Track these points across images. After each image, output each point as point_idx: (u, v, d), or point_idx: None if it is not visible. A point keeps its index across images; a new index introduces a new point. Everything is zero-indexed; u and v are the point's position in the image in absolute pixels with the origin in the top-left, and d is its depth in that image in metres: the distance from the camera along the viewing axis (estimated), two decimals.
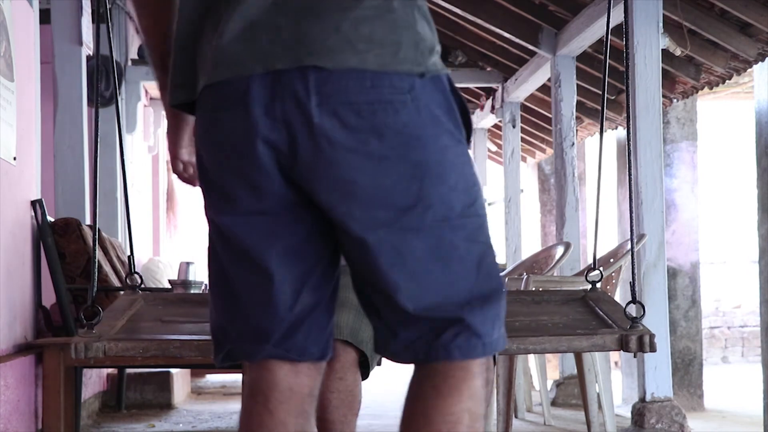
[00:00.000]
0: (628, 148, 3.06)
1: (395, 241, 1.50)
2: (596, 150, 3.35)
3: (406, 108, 1.46)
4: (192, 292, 3.71)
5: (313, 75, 1.44)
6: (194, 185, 1.75)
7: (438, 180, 1.50)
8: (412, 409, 1.55)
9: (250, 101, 1.46)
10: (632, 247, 3.02)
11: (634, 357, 2.95)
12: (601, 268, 3.31)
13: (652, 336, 2.88)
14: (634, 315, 2.95)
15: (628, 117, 3.10)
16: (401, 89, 1.46)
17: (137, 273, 2.92)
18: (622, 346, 2.89)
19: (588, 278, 3.33)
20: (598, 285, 3.35)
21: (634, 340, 2.87)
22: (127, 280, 2.98)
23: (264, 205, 1.52)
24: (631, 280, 2.98)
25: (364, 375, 2.83)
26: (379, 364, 2.92)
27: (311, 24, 1.44)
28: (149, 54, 1.75)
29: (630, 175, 3.00)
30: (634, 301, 2.96)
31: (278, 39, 1.45)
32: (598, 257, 3.34)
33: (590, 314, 3.21)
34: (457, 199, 1.53)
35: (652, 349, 2.88)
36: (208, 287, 1.73)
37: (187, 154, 1.76)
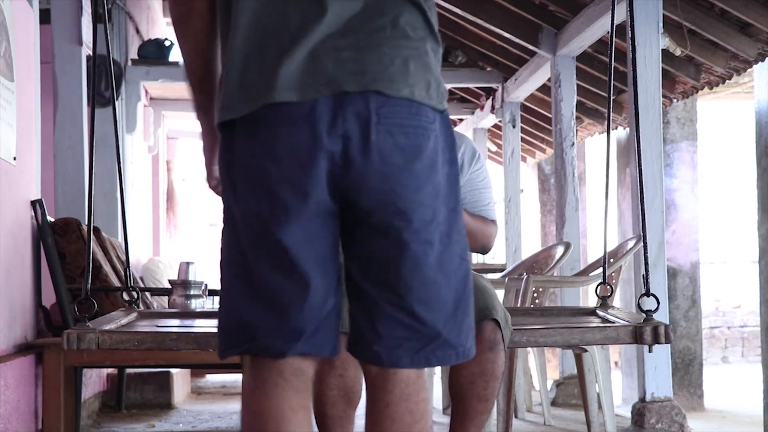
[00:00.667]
0: (638, 148, 3.04)
1: (416, 248, 1.72)
2: (597, 150, 3.34)
3: (433, 135, 1.73)
4: (192, 292, 3.70)
5: (374, 98, 1.68)
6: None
7: (444, 201, 1.76)
8: (385, 412, 1.77)
9: (316, 119, 1.67)
10: (644, 240, 2.97)
11: (649, 350, 2.89)
12: (611, 285, 3.27)
13: (667, 326, 2.81)
14: (647, 308, 2.90)
15: (635, 117, 3.08)
16: (431, 120, 1.73)
17: (134, 288, 2.91)
18: (636, 338, 2.81)
19: (598, 293, 3.30)
20: (608, 300, 3.31)
21: (648, 331, 2.80)
22: (123, 295, 2.95)
23: (309, 212, 1.70)
24: (643, 273, 2.93)
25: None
26: None
27: (372, 56, 1.69)
28: (188, 76, 1.90)
29: (640, 175, 2.98)
30: (647, 294, 2.91)
31: (343, 66, 1.68)
32: (597, 257, 3.32)
33: (601, 319, 3.19)
34: (454, 220, 1.78)
35: (668, 339, 2.81)
36: (225, 285, 1.82)
37: (218, 171, 1.88)
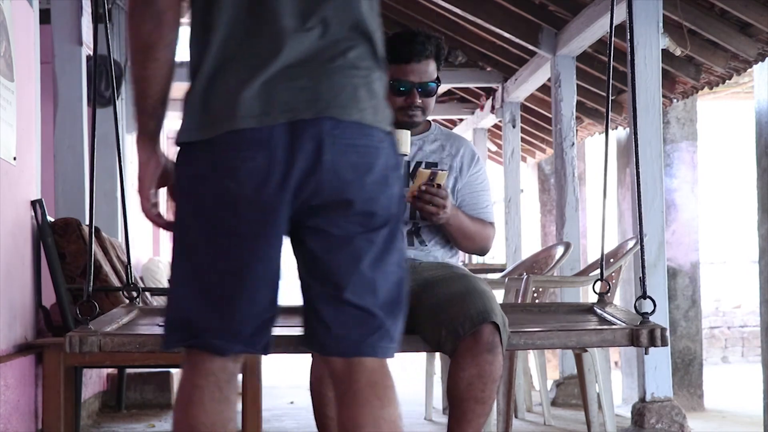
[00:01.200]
0: (636, 149, 3.04)
1: (357, 245, 1.91)
2: (597, 150, 3.35)
3: (384, 153, 1.93)
4: None
5: (328, 123, 1.86)
6: (160, 225, 2.07)
7: (390, 211, 1.95)
8: (354, 401, 1.91)
9: (275, 144, 1.85)
10: (641, 242, 2.98)
11: (646, 353, 2.90)
12: (609, 282, 3.28)
13: (663, 330, 2.82)
14: (644, 310, 2.90)
15: (633, 117, 3.09)
16: (380, 139, 1.93)
17: (134, 284, 2.91)
18: (633, 341, 2.82)
19: (595, 290, 3.31)
20: (606, 296, 3.32)
21: (645, 334, 2.81)
22: (124, 293, 2.96)
23: (262, 226, 1.89)
24: (640, 275, 2.94)
25: None
26: None
27: (325, 84, 1.88)
28: (142, 100, 1.98)
29: (638, 175, 2.98)
30: (644, 296, 2.91)
31: (299, 95, 1.86)
32: (597, 257, 3.32)
33: (598, 317, 3.19)
34: (397, 230, 1.97)
35: (664, 342, 2.82)
36: (175, 284, 1.98)
37: (154, 196, 2.05)
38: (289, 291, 1.98)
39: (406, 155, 3.03)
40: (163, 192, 2.10)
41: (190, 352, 1.95)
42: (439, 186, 2.96)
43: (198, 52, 1.94)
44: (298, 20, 1.89)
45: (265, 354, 2.01)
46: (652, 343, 2.81)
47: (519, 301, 4.57)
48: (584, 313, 3.28)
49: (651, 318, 2.93)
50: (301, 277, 1.99)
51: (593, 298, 3.43)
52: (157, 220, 2.08)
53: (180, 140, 1.95)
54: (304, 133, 1.85)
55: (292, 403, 6.52)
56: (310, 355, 2.82)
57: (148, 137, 2.03)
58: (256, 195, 1.86)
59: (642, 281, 2.94)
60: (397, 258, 1.97)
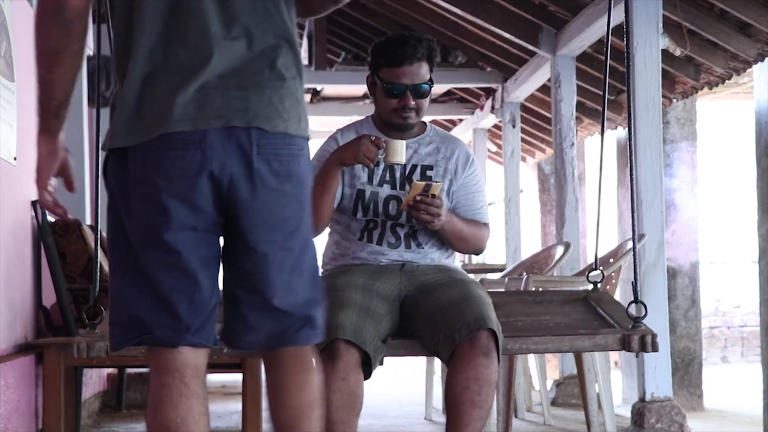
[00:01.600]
0: (630, 148, 3.06)
1: (280, 256, 2.05)
2: (596, 150, 3.36)
3: (303, 159, 2.07)
4: None
5: (255, 133, 1.99)
6: (58, 213, 2.18)
7: (307, 215, 2.10)
8: (281, 384, 2.08)
9: (207, 146, 1.97)
10: (634, 247, 3.01)
11: (636, 357, 2.96)
12: (602, 268, 3.31)
13: (654, 336, 2.87)
14: (636, 315, 2.94)
15: (629, 117, 3.10)
16: (301, 147, 2.07)
17: None
18: (624, 345, 2.88)
19: (589, 278, 3.33)
20: (599, 285, 3.35)
21: (636, 339, 2.86)
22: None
23: (197, 222, 2.00)
24: (633, 280, 2.97)
25: (367, 374, 2.83)
26: (381, 363, 2.92)
27: (255, 95, 2.00)
28: (47, 101, 2.08)
29: (632, 175, 3.00)
30: (636, 301, 2.95)
31: (230, 104, 1.98)
32: (594, 249, 3.34)
33: (592, 314, 3.21)
34: (308, 230, 2.12)
35: (654, 349, 2.87)
36: (118, 284, 2.07)
37: (52, 186, 2.16)
38: None
39: (401, 164, 3.07)
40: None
41: (152, 352, 2.05)
42: (434, 196, 2.99)
43: (124, 57, 2.03)
44: (223, 28, 2.00)
45: (213, 345, 2.09)
46: (643, 348, 2.87)
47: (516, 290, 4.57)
48: (578, 304, 3.31)
49: (650, 319, 2.95)
50: (225, 281, 2.10)
51: None
52: (55, 209, 2.18)
53: (112, 145, 2.04)
54: (235, 139, 1.98)
55: None
56: None
57: (51, 134, 2.12)
58: (187, 192, 1.98)
59: (634, 286, 2.98)
60: (311, 254, 2.12)
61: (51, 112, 2.10)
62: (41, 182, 2.16)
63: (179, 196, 1.98)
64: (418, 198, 2.99)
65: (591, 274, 3.31)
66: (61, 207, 2.17)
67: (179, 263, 2.01)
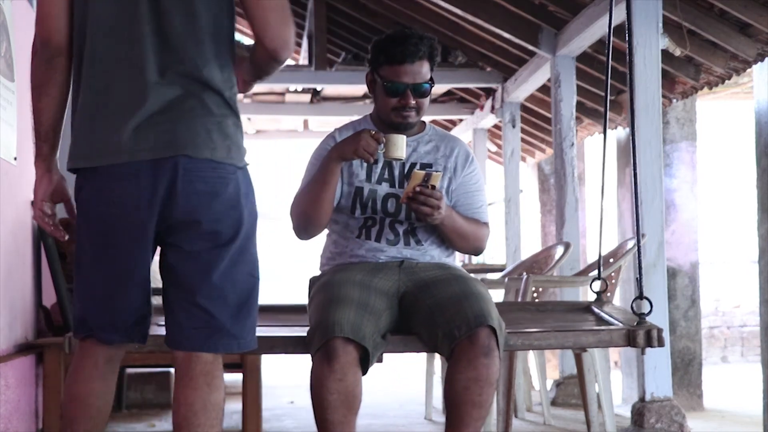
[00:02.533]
0: (633, 148, 3.05)
1: (210, 262, 2.36)
2: (597, 150, 3.36)
3: (232, 183, 2.38)
4: None
5: (183, 160, 2.33)
6: (56, 234, 2.55)
7: (241, 230, 2.39)
8: (189, 384, 2.38)
9: (142, 176, 2.32)
10: (638, 243, 3.00)
11: (642, 353, 2.92)
12: (606, 280, 3.29)
13: (660, 330, 2.83)
14: (641, 311, 2.91)
15: (631, 117, 3.10)
16: (230, 172, 2.38)
17: None
18: (630, 341, 2.83)
19: (592, 288, 3.31)
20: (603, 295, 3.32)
21: (641, 334, 2.82)
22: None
23: (141, 238, 2.36)
24: (637, 276, 2.95)
25: (364, 370, 2.81)
26: (380, 360, 2.91)
27: (182, 128, 2.34)
28: (38, 127, 2.46)
29: (635, 174, 2.99)
30: (641, 297, 2.92)
31: (161, 137, 2.33)
32: (597, 258, 3.33)
33: (595, 317, 3.19)
34: (248, 244, 2.42)
35: (660, 343, 2.83)
36: (75, 287, 2.44)
37: (49, 207, 2.52)
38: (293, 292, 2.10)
39: (402, 159, 3.04)
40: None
41: (82, 341, 2.46)
42: (433, 187, 2.97)
43: (79, 90, 2.41)
44: (159, 76, 2.34)
45: (143, 342, 2.48)
46: (649, 343, 2.82)
47: (519, 300, 4.57)
48: (582, 312, 3.28)
49: (650, 318, 2.94)
50: (163, 285, 2.43)
51: (592, 297, 3.44)
52: (53, 231, 2.55)
53: (70, 166, 2.42)
54: (163, 168, 2.32)
55: (292, 403, 6.52)
56: (310, 357, 2.83)
57: (42, 158, 2.48)
58: (128, 216, 2.35)
59: (639, 282, 2.94)
60: (249, 268, 2.43)
61: (41, 137, 2.46)
62: (36, 203, 2.51)
63: (121, 219, 2.35)
64: (418, 189, 2.97)
65: (593, 284, 3.28)
66: (60, 231, 2.53)
67: (118, 275, 2.39)
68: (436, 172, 3.03)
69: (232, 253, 2.38)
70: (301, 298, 3.34)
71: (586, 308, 3.30)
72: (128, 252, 2.37)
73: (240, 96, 2.52)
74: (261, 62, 2.43)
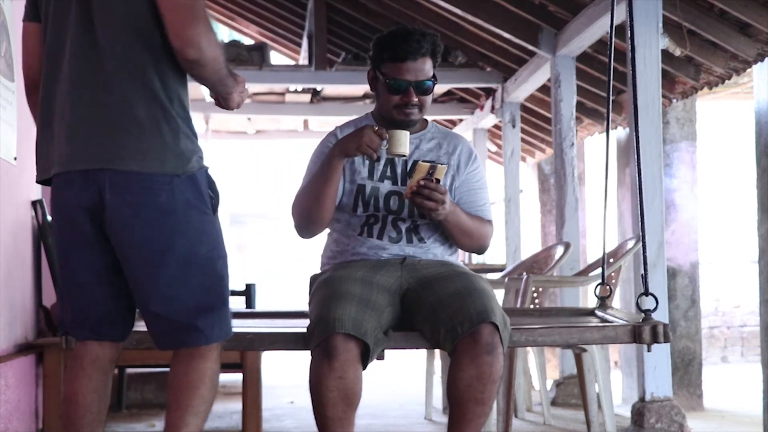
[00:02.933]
0: (636, 148, 3.05)
1: (152, 270, 2.48)
2: (597, 150, 3.35)
3: (164, 192, 2.46)
4: None
5: (109, 173, 2.45)
6: None
7: (183, 235, 2.49)
8: (174, 362, 2.57)
9: (75, 185, 2.48)
10: (643, 240, 2.97)
11: (648, 350, 2.89)
12: (610, 286, 3.28)
13: (665, 326, 2.81)
14: (646, 307, 2.89)
15: (634, 117, 3.09)
16: (162, 182, 2.46)
17: None
18: (635, 337, 2.80)
19: (597, 294, 3.30)
20: (607, 300, 3.31)
21: (647, 330, 2.79)
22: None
23: (85, 242, 2.52)
24: (642, 273, 2.93)
25: (364, 365, 2.80)
26: (382, 357, 2.90)
27: (111, 142, 2.46)
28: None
29: (640, 175, 2.99)
30: (646, 293, 2.90)
31: (91, 150, 2.46)
32: (597, 257, 3.33)
33: (600, 319, 3.19)
34: (197, 247, 2.51)
35: (666, 339, 2.80)
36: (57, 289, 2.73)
37: None
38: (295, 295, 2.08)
39: (405, 156, 3.02)
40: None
41: (70, 351, 2.64)
42: (438, 180, 2.95)
43: (36, 109, 2.64)
44: (94, 95, 2.46)
45: (122, 341, 2.64)
46: (655, 339, 2.80)
47: (519, 300, 4.57)
48: (586, 315, 3.27)
49: (653, 316, 2.92)
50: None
51: (593, 298, 3.43)
52: None
53: (37, 179, 2.63)
54: (93, 178, 2.46)
55: (292, 402, 6.52)
56: (309, 355, 2.83)
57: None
58: (70, 221, 2.52)
59: (644, 278, 2.92)
60: (200, 269, 2.51)
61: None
62: None
63: (67, 224, 2.53)
64: (422, 182, 2.95)
65: (598, 289, 3.28)
66: None
67: (70, 276, 2.56)
68: (441, 164, 3.01)
69: (177, 258, 2.48)
70: (302, 298, 3.33)
71: (590, 313, 3.29)
72: (76, 255, 2.56)
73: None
74: (184, 67, 2.49)
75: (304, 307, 3.23)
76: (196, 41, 2.39)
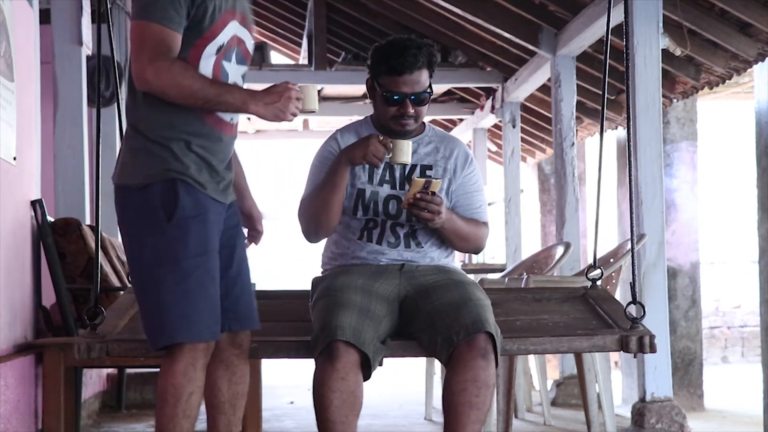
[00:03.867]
0: (629, 148, 3.06)
1: (132, 275, 2.66)
2: (596, 150, 3.36)
3: (119, 205, 2.61)
4: None
5: (114, 185, 2.63)
6: None
7: (132, 253, 2.60)
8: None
9: None
10: (632, 247, 3.01)
11: (634, 357, 2.96)
12: (601, 267, 3.32)
13: (652, 337, 2.87)
14: (634, 315, 2.94)
15: (628, 117, 3.10)
16: (120, 194, 2.59)
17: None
18: (623, 346, 2.88)
19: (588, 276, 3.33)
20: (599, 282, 3.35)
21: (634, 340, 2.86)
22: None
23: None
24: (631, 281, 2.97)
25: (366, 375, 2.83)
26: (380, 364, 2.92)
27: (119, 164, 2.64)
28: None
29: (630, 175, 3.00)
30: (634, 301, 2.95)
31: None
32: (598, 257, 3.34)
33: (591, 313, 3.20)
34: (136, 256, 2.59)
35: (652, 350, 2.87)
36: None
37: None
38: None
39: (407, 164, 3.08)
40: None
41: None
42: (433, 193, 3.00)
43: None
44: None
45: (216, 338, 2.69)
46: (641, 349, 2.87)
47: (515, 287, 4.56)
48: (577, 301, 3.31)
49: (650, 319, 2.95)
50: None
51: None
52: None
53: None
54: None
55: (292, 403, 6.52)
56: (314, 362, 2.85)
57: None
58: None
59: (632, 286, 2.98)
60: (135, 280, 2.60)
61: None
62: None
63: None
64: (419, 195, 3.00)
65: (590, 273, 3.31)
66: None
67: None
68: (436, 179, 3.07)
69: (136, 270, 2.61)
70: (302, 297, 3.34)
71: (581, 297, 3.32)
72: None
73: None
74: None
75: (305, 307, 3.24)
76: (140, 74, 2.48)
